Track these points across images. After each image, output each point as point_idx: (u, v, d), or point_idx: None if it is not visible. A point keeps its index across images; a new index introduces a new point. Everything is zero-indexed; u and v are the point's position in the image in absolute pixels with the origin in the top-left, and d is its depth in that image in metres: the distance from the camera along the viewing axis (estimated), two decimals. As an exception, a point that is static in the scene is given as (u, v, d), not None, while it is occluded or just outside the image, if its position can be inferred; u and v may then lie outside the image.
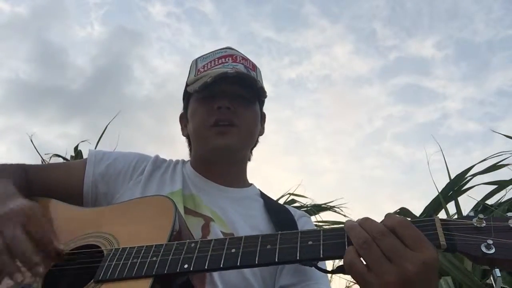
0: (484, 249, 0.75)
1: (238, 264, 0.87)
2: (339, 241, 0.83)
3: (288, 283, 1.19)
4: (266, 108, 1.53)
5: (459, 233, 0.78)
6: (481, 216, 0.79)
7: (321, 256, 0.83)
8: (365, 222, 0.81)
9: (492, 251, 0.75)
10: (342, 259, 0.80)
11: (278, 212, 1.36)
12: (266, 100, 1.50)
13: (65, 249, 1.05)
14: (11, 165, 1.35)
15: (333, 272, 0.95)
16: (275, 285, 1.21)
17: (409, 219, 0.81)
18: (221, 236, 1.20)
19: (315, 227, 1.59)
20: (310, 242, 0.85)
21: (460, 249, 0.77)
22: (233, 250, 0.89)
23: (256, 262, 0.86)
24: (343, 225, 0.84)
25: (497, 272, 0.75)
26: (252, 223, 1.29)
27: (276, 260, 0.85)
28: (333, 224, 3.67)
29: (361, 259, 0.77)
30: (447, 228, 0.80)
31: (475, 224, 0.79)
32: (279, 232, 0.90)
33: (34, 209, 1.05)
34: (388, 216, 0.81)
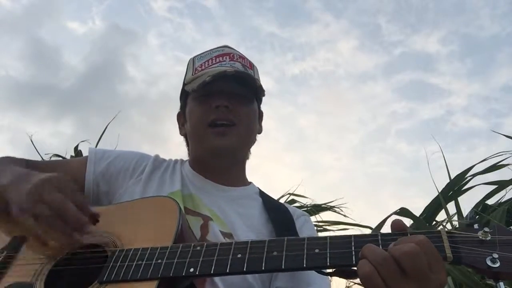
0: (489, 263, 0.76)
1: (245, 269, 0.88)
2: (346, 250, 0.84)
3: (284, 287, 1.19)
4: (269, 105, 1.54)
5: (464, 246, 0.79)
6: (486, 229, 0.80)
7: (328, 264, 0.84)
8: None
9: (497, 265, 0.76)
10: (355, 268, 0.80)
11: (277, 211, 1.36)
12: (268, 96, 1.50)
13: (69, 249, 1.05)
14: (15, 157, 1.36)
15: (333, 274, 0.95)
16: (270, 285, 1.21)
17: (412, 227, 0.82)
18: (220, 235, 1.21)
19: (314, 227, 1.60)
20: (316, 250, 0.86)
21: (466, 262, 0.78)
22: (239, 256, 0.90)
23: (263, 269, 0.87)
24: (350, 234, 0.85)
25: (501, 285, 0.76)
26: (250, 223, 1.29)
27: (283, 267, 0.85)
28: (333, 224, 3.68)
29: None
30: (453, 241, 0.81)
31: (481, 237, 0.80)
32: (286, 237, 0.91)
33: (61, 177, 1.09)
34: (409, 238, 0.81)
